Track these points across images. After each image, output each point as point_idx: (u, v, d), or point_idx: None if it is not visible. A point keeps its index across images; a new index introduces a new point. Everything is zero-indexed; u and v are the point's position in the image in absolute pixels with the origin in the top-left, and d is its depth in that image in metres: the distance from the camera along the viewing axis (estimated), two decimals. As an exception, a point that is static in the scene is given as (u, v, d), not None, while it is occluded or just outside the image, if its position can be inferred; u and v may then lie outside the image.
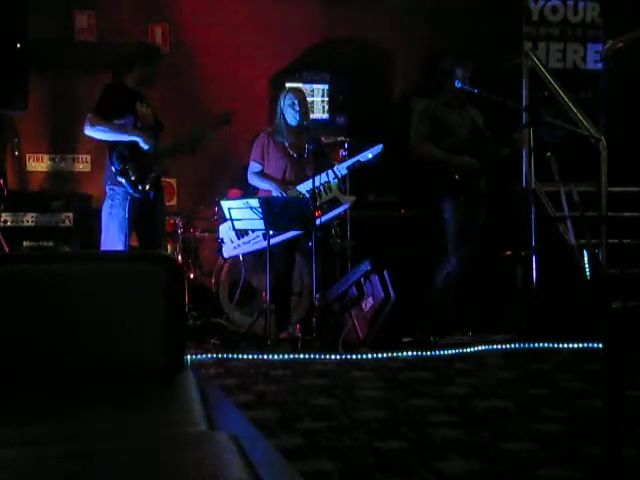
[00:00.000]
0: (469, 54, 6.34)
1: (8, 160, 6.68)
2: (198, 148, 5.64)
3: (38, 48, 6.42)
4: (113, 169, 5.25)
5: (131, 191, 5.24)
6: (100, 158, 5.99)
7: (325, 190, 5.73)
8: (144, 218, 5.38)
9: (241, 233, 5.78)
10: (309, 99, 6.97)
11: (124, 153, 5.26)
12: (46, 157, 6.99)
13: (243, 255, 5.95)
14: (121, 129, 5.31)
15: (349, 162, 5.80)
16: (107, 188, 5.34)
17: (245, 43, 7.38)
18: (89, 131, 5.30)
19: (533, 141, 6.20)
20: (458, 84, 5.91)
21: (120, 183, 5.24)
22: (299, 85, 6.84)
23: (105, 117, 5.27)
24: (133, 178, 5.25)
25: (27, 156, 6.91)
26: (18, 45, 6.00)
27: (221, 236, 5.88)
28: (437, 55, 6.46)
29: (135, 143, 5.28)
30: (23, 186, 6.89)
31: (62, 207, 6.43)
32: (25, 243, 6.18)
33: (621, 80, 7.22)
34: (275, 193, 5.72)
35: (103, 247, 5.32)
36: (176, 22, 7.30)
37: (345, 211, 6.02)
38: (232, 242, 5.84)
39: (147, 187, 5.31)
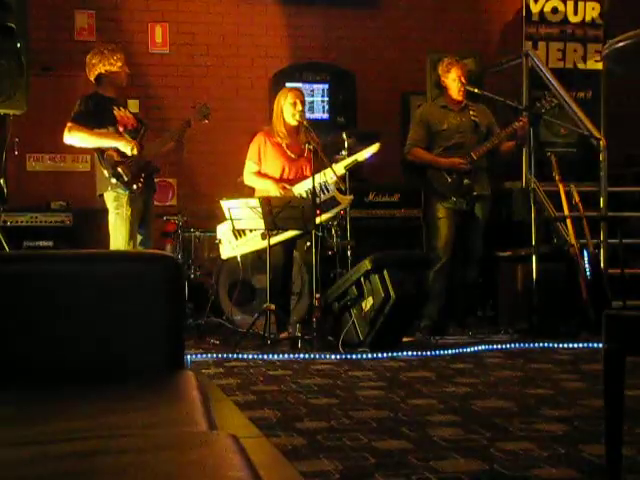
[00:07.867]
0: (464, 55, 6.35)
1: (8, 160, 6.68)
2: (183, 141, 5.61)
3: (38, 48, 6.42)
4: (106, 173, 5.36)
5: (127, 192, 5.34)
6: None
7: (323, 190, 5.71)
8: (139, 218, 5.45)
9: (239, 233, 5.77)
10: (309, 99, 6.98)
11: (112, 156, 5.36)
12: (46, 157, 6.98)
13: (241, 255, 5.94)
14: (101, 136, 5.41)
15: (346, 162, 5.79)
16: (106, 192, 5.42)
17: (245, 43, 7.37)
18: (68, 139, 5.43)
19: (533, 141, 6.20)
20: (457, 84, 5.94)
21: (116, 185, 5.34)
22: (299, 85, 6.84)
23: (84, 125, 5.38)
24: (126, 179, 5.35)
25: (27, 156, 6.91)
26: (18, 45, 5.99)
27: (219, 236, 5.87)
28: (436, 56, 6.47)
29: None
30: (23, 186, 6.89)
31: (62, 207, 6.43)
32: (25, 243, 6.17)
33: (621, 80, 7.22)
34: (272, 193, 5.71)
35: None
36: (176, 22, 7.30)
37: (344, 210, 6.01)
38: (230, 243, 5.83)
39: (139, 186, 5.37)
